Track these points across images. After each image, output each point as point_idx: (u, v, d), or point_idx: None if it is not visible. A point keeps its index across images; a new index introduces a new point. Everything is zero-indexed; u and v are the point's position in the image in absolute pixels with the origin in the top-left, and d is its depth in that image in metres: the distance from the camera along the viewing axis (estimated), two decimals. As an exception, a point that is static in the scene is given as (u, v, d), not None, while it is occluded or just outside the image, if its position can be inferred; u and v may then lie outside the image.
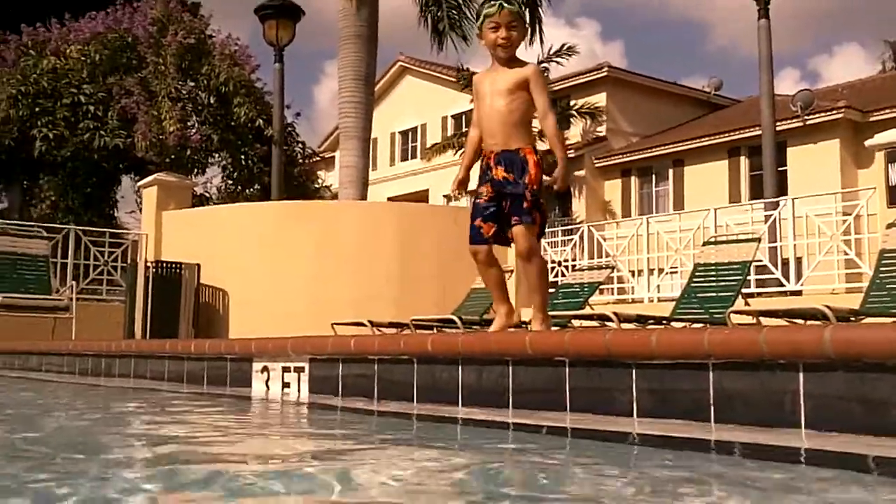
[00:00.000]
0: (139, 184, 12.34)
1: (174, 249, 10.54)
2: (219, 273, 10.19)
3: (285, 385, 3.95)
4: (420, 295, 9.81)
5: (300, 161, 16.84)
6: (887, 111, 20.95)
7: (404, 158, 32.61)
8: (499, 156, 4.14)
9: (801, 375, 2.18)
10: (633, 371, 2.41)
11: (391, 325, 7.84)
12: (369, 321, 7.56)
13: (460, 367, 2.77)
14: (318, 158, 22.50)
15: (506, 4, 4.08)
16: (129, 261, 10.72)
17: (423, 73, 31.21)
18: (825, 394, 2.15)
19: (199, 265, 10.09)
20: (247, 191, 15.42)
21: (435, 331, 7.86)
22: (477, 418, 2.68)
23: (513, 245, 4.16)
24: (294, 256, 10.09)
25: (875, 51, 67.68)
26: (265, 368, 4.06)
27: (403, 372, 2.94)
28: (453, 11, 13.82)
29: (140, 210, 12.99)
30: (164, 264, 10.07)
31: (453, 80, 26.37)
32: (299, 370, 3.72)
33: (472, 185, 4.42)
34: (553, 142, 4.13)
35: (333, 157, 26.82)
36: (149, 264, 10.08)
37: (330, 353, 3.51)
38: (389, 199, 28.07)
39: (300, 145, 16.94)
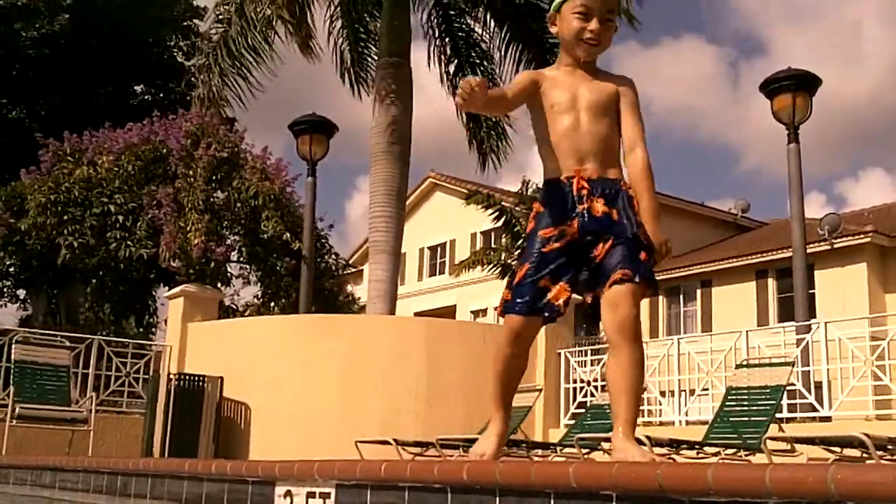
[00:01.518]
0: (165, 294, 12.36)
1: (198, 362, 10.44)
2: (242, 387, 10.06)
3: (309, 511, 3.78)
4: (447, 412, 9.62)
5: (334, 273, 16.91)
6: (915, 236, 20.87)
7: (432, 274, 32.74)
8: (595, 184, 3.00)
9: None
10: (686, 509, 2.25)
11: (417, 444, 7.64)
12: (395, 440, 7.37)
13: (497, 499, 2.62)
14: (352, 270, 22.58)
15: None
16: (151, 372, 10.63)
17: (452, 190, 31.63)
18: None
19: (222, 378, 9.97)
20: (273, 303, 15.42)
21: (461, 451, 7.65)
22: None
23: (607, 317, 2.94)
24: (320, 371, 9.97)
25: (900, 175, 68.05)
26: (288, 493, 3.89)
27: (436, 502, 2.78)
28: (491, 132, 14.10)
29: (166, 321, 13.00)
30: (187, 377, 9.95)
31: (484, 195, 26.69)
32: (325, 496, 3.55)
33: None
34: (646, 183, 3.07)
35: (361, 271, 26.96)
36: (171, 376, 9.97)
37: (359, 479, 3.35)
38: (416, 314, 28.06)
39: (334, 256, 17.04)
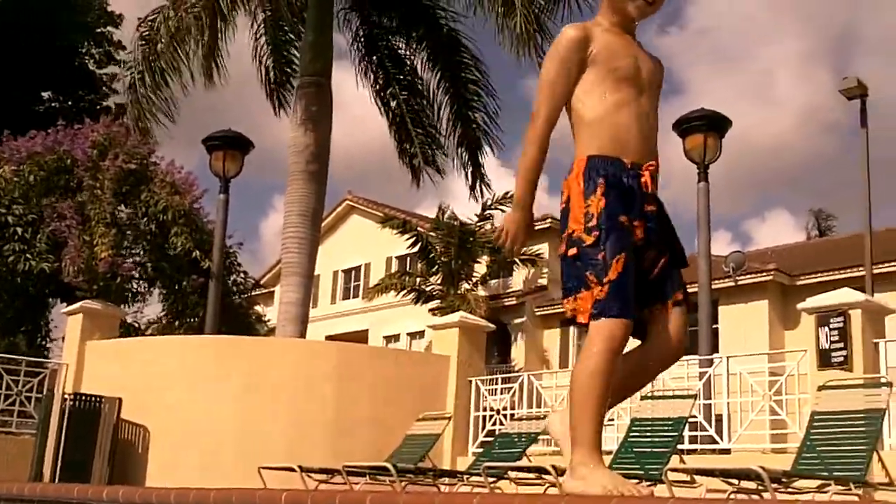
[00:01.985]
0: (63, 311, 11.93)
1: (96, 382, 10.09)
2: (142, 409, 9.76)
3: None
4: (355, 439, 9.51)
5: (241, 292, 16.57)
6: (813, 276, 21.67)
7: (346, 297, 32.46)
8: (655, 181, 2.74)
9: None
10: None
11: (322, 470, 7.52)
12: (299, 466, 7.23)
13: (397, 530, 2.59)
14: (262, 291, 22.18)
15: None
16: (45, 391, 10.22)
17: (369, 213, 31.49)
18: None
19: (120, 399, 9.64)
20: (178, 322, 15.05)
21: (367, 478, 7.57)
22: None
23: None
24: (224, 394, 9.74)
25: (802, 218, 70.68)
26: (184, 519, 3.78)
27: (336, 532, 2.73)
28: (424, 147, 14.08)
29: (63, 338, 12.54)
30: (83, 397, 9.60)
31: (399, 220, 26.68)
32: (222, 523, 3.46)
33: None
34: None
35: (273, 292, 26.58)
36: (66, 396, 9.61)
37: (257, 507, 3.28)
38: (328, 337, 27.74)
39: (243, 275, 16.71)
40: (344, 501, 2.83)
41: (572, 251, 2.67)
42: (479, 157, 13.79)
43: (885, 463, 5.99)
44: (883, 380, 6.85)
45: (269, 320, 18.40)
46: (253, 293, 18.11)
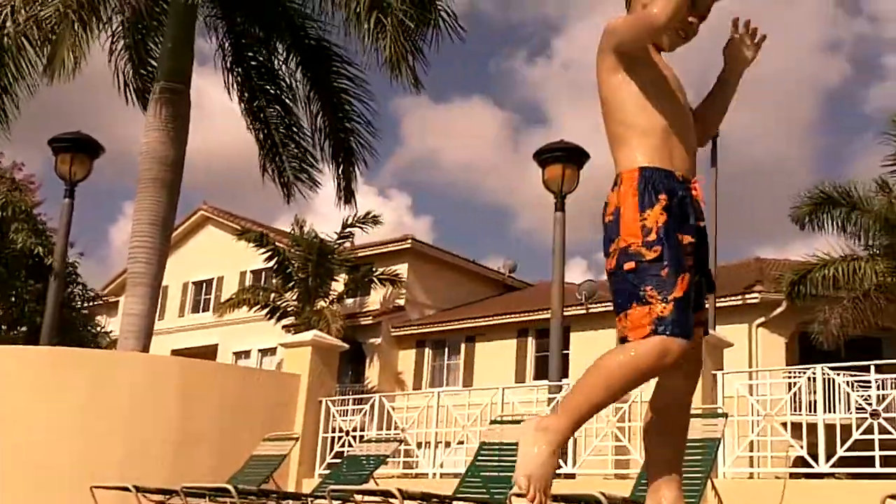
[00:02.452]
0: None
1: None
2: (-32, 421, 9.14)
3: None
4: (197, 459, 9.16)
5: (80, 304, 15.85)
6: (660, 306, 22.50)
7: (196, 310, 31.56)
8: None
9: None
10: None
11: (160, 491, 7.23)
12: (134, 486, 6.92)
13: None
14: (100, 302, 21.26)
15: None
16: None
17: (225, 225, 30.77)
18: None
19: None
20: (13, 330, 14.24)
21: (207, 500, 7.31)
22: None
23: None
24: (59, 409, 9.21)
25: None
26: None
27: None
28: (294, 161, 13.77)
29: None
30: None
31: (256, 233, 26.17)
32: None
33: None
34: None
35: (118, 302, 25.59)
36: None
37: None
38: (174, 351, 26.87)
39: (81, 287, 15.99)
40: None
41: (629, 265, 2.49)
42: (353, 168, 13.51)
43: (719, 490, 6.22)
44: (719, 410, 7.14)
45: (111, 331, 17.66)
46: (94, 304, 17.36)
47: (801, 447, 7.28)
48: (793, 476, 8.06)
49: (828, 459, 7.32)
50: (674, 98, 2.66)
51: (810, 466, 7.51)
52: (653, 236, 2.49)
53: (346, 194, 13.56)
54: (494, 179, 73.06)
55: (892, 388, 7.79)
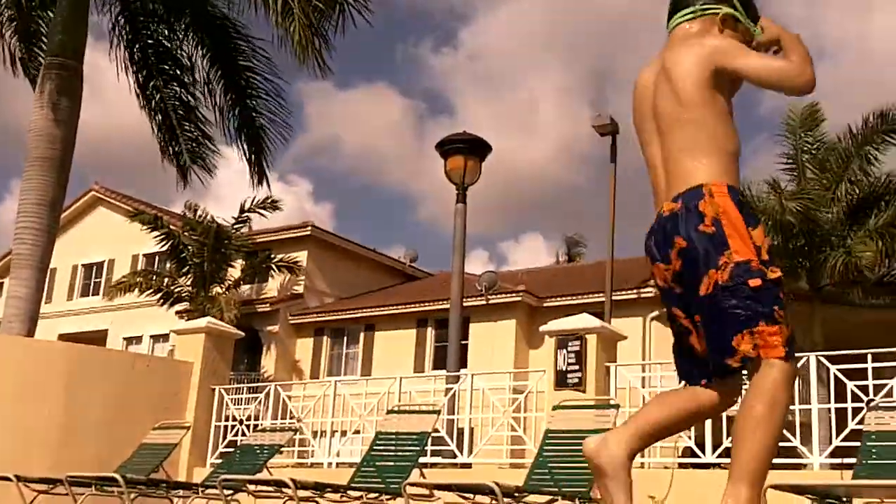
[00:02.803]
0: None
1: None
2: None
3: None
4: (84, 448, 8.91)
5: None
6: (556, 299, 22.96)
7: (85, 294, 30.57)
8: None
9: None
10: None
11: (43, 480, 6.98)
12: (16, 476, 6.66)
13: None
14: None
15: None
16: None
17: (117, 206, 29.85)
18: None
19: None
20: None
21: (94, 489, 7.10)
22: None
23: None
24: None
25: (555, 243, 74.51)
26: None
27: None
28: (191, 144, 13.39)
29: None
30: None
31: (150, 216, 25.49)
32: None
33: None
34: None
35: (2, 284, 24.55)
36: None
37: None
38: (62, 336, 26.00)
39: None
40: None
41: (755, 282, 2.40)
42: (263, 146, 13.14)
43: (609, 480, 6.34)
44: (612, 402, 7.31)
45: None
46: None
47: (690, 437, 7.50)
48: (681, 466, 8.31)
49: (714, 450, 7.56)
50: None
51: (697, 456, 7.76)
52: (766, 256, 2.46)
53: (258, 174, 13.25)
54: (397, 168, 73.05)
55: None
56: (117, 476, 6.98)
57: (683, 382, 2.72)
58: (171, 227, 25.46)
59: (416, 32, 74.37)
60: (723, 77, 2.62)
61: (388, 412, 7.93)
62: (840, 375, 7.32)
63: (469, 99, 72.90)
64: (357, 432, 9.90)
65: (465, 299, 12.74)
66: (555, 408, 7.04)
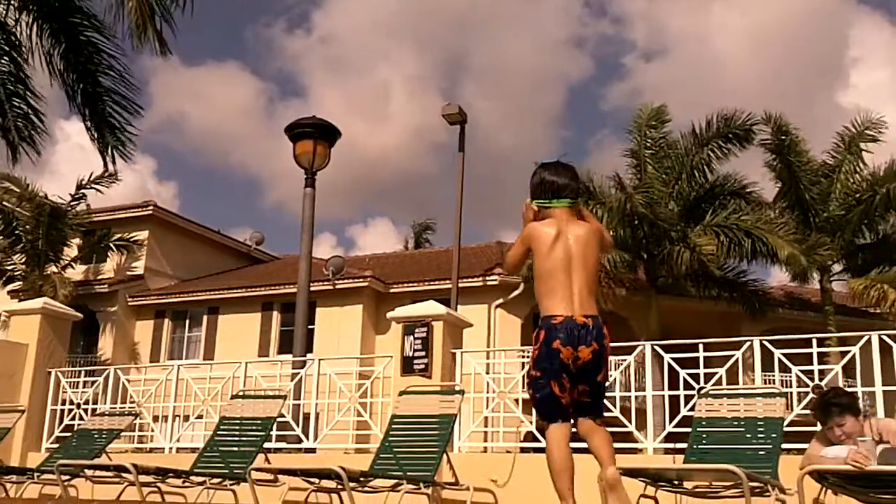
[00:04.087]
0: None
1: None
2: None
3: None
4: None
5: None
6: (403, 285, 23.24)
7: None
8: None
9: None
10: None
11: None
12: None
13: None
14: None
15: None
16: None
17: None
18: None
19: None
20: None
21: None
22: None
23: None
24: None
25: (404, 228, 74.93)
26: None
27: None
28: (21, 121, 12.68)
29: None
30: None
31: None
32: None
33: None
34: None
35: None
36: None
37: None
38: None
39: None
40: None
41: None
42: (108, 121, 12.56)
43: (454, 464, 6.58)
44: (457, 387, 7.52)
45: None
46: None
47: (531, 423, 7.79)
48: (523, 450, 8.63)
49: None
50: None
51: (539, 441, 8.06)
52: None
53: (105, 146, 12.71)
54: (246, 149, 71.63)
55: (613, 370, 8.35)
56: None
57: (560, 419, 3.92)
58: (4, 203, 24.16)
59: (269, 13, 73.02)
60: (606, 246, 4.15)
61: (233, 397, 7.89)
62: (673, 364, 7.66)
63: (321, 82, 72.29)
64: (199, 417, 9.77)
65: (311, 284, 12.73)
66: (401, 393, 7.20)
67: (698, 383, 7.27)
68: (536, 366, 3.85)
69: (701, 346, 7.51)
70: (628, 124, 20.87)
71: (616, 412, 7.68)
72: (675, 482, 4.80)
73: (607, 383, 3.99)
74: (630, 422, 7.65)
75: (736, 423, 5.70)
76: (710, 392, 6.21)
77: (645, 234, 19.12)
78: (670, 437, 7.38)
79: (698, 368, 7.46)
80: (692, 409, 6.38)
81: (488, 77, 70.33)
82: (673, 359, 7.70)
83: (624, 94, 64.25)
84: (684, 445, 5.96)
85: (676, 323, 18.90)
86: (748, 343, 7.49)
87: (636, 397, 8.30)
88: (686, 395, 7.34)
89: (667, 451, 7.60)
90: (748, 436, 5.56)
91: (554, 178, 4.04)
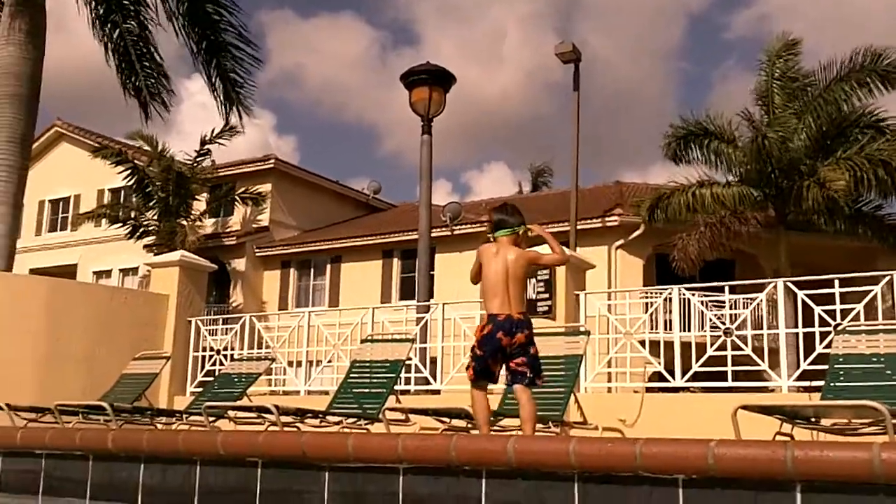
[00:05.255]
0: None
1: None
2: None
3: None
4: (67, 378, 9.08)
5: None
6: (523, 229, 23.12)
7: (53, 229, 30.33)
8: None
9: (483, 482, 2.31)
10: (327, 474, 2.41)
11: (32, 409, 7.18)
12: (7, 405, 6.85)
13: (142, 466, 2.59)
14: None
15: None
16: None
17: (80, 141, 29.48)
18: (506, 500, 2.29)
19: None
20: None
21: (81, 417, 7.31)
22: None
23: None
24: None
25: (520, 172, 74.54)
26: None
27: (77, 469, 2.68)
28: (151, 80, 13.28)
29: None
30: None
31: (114, 150, 25.28)
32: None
33: None
34: None
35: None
36: None
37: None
38: (32, 271, 25.87)
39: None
40: (54, 439, 2.78)
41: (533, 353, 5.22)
42: (231, 76, 13.00)
43: (581, 404, 6.68)
44: (582, 328, 7.59)
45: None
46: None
47: (659, 363, 7.78)
48: (649, 391, 8.65)
49: (683, 374, 7.85)
50: None
51: (666, 381, 8.07)
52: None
53: (229, 104, 13.17)
54: (361, 100, 72.37)
55: (743, 308, 8.26)
56: (104, 404, 7.20)
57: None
58: (136, 161, 25.29)
59: (379, -40, 72.97)
60: (530, 264, 5.32)
61: (363, 341, 8.13)
62: (807, 300, 7.50)
63: (434, 29, 72.07)
64: (330, 362, 10.14)
65: (431, 230, 12.93)
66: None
67: (834, 320, 7.04)
68: (481, 346, 5.03)
69: (837, 282, 7.32)
70: (757, 56, 19.98)
71: (748, 350, 7.61)
72: (813, 419, 4.73)
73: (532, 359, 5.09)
74: (763, 360, 7.57)
75: (875, 359, 5.56)
76: (848, 328, 6.05)
77: (773, 168, 18.49)
78: (804, 376, 7.27)
79: (834, 305, 7.27)
80: (828, 346, 6.25)
81: (603, 11, 68.71)
82: (807, 295, 7.52)
83: (750, 22, 61.67)
84: (820, 383, 5.85)
85: (807, 260, 18.33)
86: (888, 277, 7.24)
87: (768, 335, 8.15)
88: (821, 333, 7.16)
89: (801, 390, 7.47)
90: (888, 372, 5.43)
91: (499, 216, 5.39)
